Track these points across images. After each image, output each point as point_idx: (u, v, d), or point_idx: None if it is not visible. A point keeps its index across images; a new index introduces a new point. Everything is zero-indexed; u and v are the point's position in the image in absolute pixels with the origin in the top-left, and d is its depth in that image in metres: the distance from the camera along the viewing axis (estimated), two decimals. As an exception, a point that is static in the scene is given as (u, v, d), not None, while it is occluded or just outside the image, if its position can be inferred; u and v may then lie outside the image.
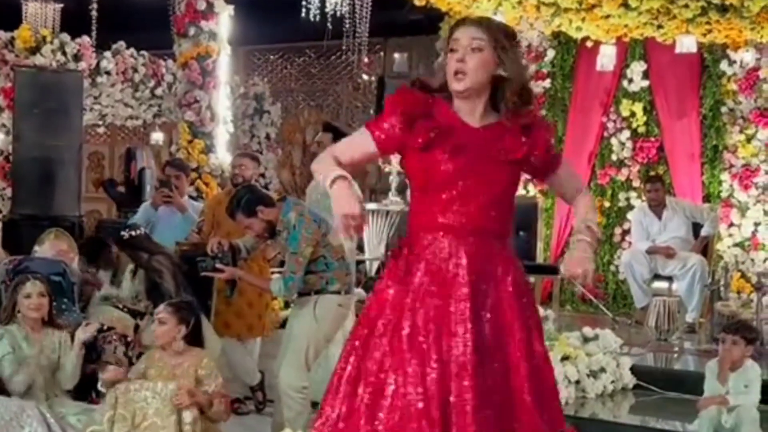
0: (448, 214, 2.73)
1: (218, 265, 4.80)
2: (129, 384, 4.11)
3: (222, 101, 9.39)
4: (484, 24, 2.77)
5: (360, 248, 8.85)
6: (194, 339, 4.30)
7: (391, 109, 2.77)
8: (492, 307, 2.70)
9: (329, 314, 4.70)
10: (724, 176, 8.62)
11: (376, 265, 8.70)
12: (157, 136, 13.20)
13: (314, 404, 4.93)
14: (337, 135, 5.80)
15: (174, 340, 4.22)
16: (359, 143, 2.82)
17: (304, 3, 8.00)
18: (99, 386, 4.29)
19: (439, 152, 2.72)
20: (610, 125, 9.14)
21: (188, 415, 4.03)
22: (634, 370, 5.60)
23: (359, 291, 6.69)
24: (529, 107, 2.80)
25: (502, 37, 2.76)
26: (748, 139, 8.51)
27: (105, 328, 5.22)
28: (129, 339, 5.20)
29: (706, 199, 8.62)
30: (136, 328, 5.34)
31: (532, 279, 8.20)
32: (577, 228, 2.87)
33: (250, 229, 4.79)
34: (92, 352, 4.88)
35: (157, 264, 5.31)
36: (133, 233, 5.53)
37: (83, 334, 4.46)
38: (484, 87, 2.76)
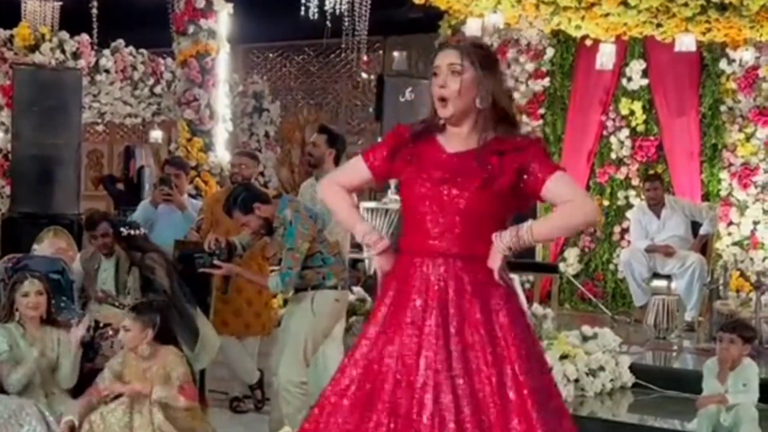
0: (418, 236, 2.81)
1: (216, 262, 4.84)
2: (100, 410, 4.10)
3: (221, 99, 9.39)
4: (463, 48, 2.80)
5: (359, 246, 8.85)
6: (164, 337, 4.26)
7: (383, 140, 2.97)
8: (458, 332, 2.71)
9: (326, 309, 4.75)
10: (724, 175, 8.62)
11: (375, 263, 8.67)
12: (156, 135, 13.20)
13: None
14: (332, 137, 5.83)
15: (141, 345, 4.20)
16: (357, 170, 3.00)
17: (303, 1, 8.00)
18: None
19: (412, 177, 2.82)
20: (610, 124, 9.13)
21: (158, 416, 4.06)
22: (632, 368, 5.60)
23: (358, 289, 6.70)
24: (513, 132, 2.82)
25: (483, 60, 2.78)
26: (747, 138, 8.52)
27: (101, 325, 5.23)
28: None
29: (705, 197, 8.62)
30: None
31: (531, 277, 8.27)
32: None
33: (247, 226, 4.82)
34: (89, 351, 4.89)
35: (150, 261, 5.31)
36: (132, 231, 5.54)
37: (78, 331, 4.44)
38: (470, 109, 2.79)
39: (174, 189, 6.59)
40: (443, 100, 2.78)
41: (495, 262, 2.73)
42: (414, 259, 2.81)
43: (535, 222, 2.78)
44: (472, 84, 2.76)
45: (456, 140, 2.83)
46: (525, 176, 2.74)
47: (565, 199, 2.75)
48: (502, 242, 2.72)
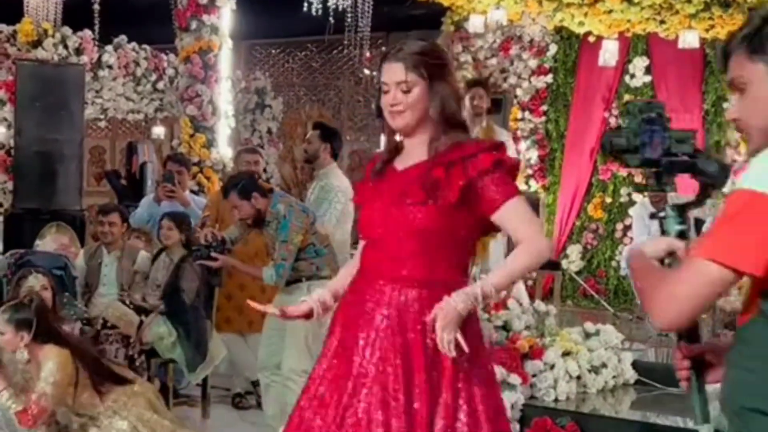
0: (365, 258, 2.75)
1: (213, 254, 4.97)
2: None
3: (223, 95, 9.38)
4: (408, 60, 2.64)
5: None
6: (45, 336, 3.90)
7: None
8: (401, 357, 2.57)
9: None
10: (726, 172, 8.60)
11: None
12: (159, 131, 13.19)
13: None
14: (325, 132, 5.90)
15: (18, 349, 3.88)
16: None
17: (305, -3, 8.00)
18: None
19: (366, 202, 2.77)
20: (612, 120, 9.13)
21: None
22: (635, 365, 5.59)
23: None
24: (464, 137, 2.68)
25: (430, 68, 2.64)
26: (751, 135, 8.51)
27: (109, 324, 5.25)
28: (131, 339, 5.23)
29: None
30: (140, 324, 5.38)
31: (533, 274, 8.26)
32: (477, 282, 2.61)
33: (238, 211, 4.97)
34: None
35: (190, 271, 5.38)
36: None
37: None
38: (423, 119, 2.67)
39: (177, 185, 6.61)
40: (394, 113, 2.67)
41: (441, 325, 2.47)
42: (364, 283, 2.69)
43: (492, 275, 2.65)
44: (423, 96, 2.64)
45: (407, 155, 2.72)
46: (477, 196, 2.58)
47: (518, 236, 2.59)
48: (452, 303, 2.48)
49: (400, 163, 2.74)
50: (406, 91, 2.65)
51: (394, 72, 2.66)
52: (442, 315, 2.48)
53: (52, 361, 3.83)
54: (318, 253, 4.92)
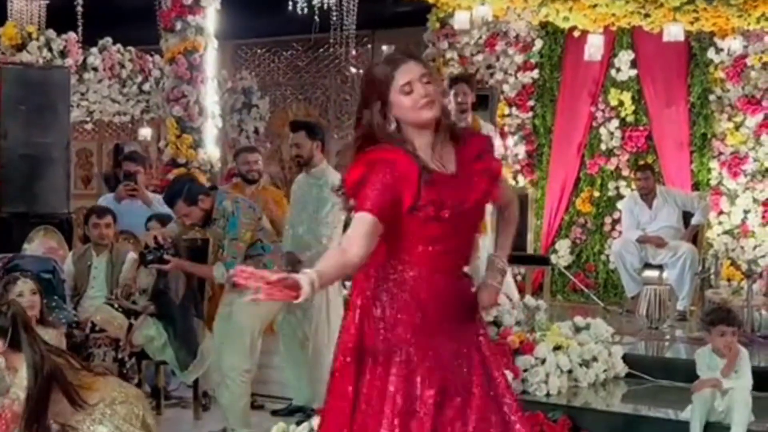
0: (440, 265, 2.88)
1: (166, 257, 5.00)
2: None
3: (210, 96, 9.33)
4: (419, 57, 2.84)
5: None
6: (16, 345, 3.67)
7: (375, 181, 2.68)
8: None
9: None
10: (713, 164, 8.64)
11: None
12: (146, 132, 13.15)
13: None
14: (310, 129, 5.81)
15: None
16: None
17: (290, -4, 7.97)
18: None
19: (423, 201, 2.70)
20: (599, 115, 9.15)
21: None
22: (626, 358, 5.61)
23: (351, 285, 6.74)
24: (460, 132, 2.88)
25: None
26: (737, 127, 8.54)
27: (97, 328, 5.23)
28: (120, 342, 5.21)
29: (696, 187, 8.65)
30: (130, 327, 5.36)
31: (522, 270, 8.27)
32: (489, 263, 2.98)
33: (188, 217, 5.00)
34: (81, 351, 4.89)
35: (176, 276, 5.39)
36: None
37: None
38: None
39: (139, 185, 6.56)
40: (427, 104, 2.71)
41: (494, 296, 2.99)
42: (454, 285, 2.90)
43: (501, 249, 3.08)
44: (439, 90, 2.84)
45: (435, 154, 2.77)
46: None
47: (507, 199, 3.04)
48: (495, 285, 3.00)
49: (439, 167, 2.75)
50: (428, 83, 2.74)
51: (412, 69, 2.74)
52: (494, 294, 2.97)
53: (20, 373, 3.68)
54: (265, 249, 4.97)
